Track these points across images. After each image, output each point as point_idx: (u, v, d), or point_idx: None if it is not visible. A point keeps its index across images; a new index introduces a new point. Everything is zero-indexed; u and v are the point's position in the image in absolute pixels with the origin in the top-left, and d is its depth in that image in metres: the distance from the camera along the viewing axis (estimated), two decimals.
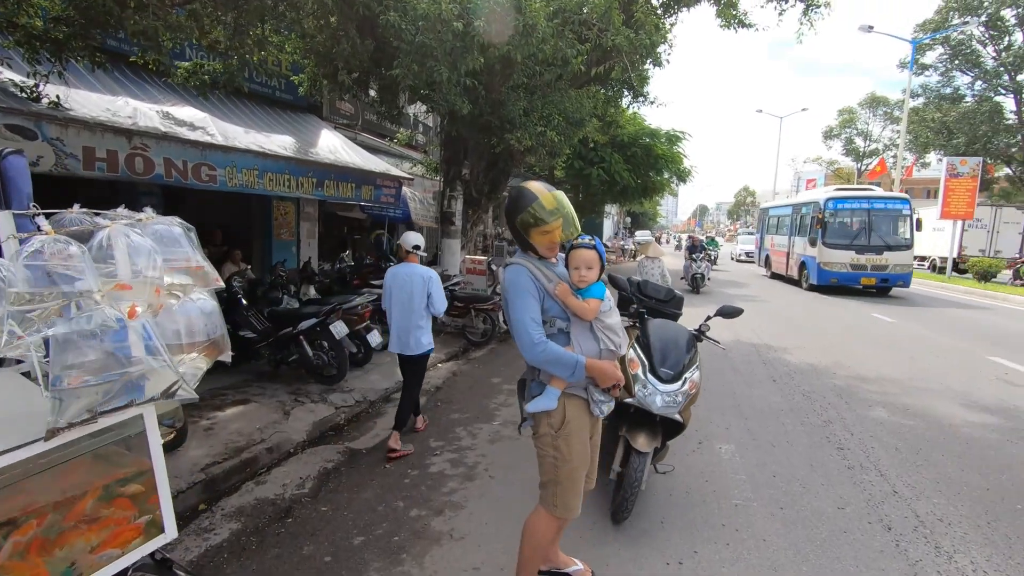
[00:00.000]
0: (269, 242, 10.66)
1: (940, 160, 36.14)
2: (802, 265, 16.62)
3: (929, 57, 33.32)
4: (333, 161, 8.28)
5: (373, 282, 8.98)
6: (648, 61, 7.64)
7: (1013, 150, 30.79)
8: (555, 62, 6.11)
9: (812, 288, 15.93)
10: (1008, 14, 30.10)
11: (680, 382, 3.23)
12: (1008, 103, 31.45)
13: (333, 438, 4.68)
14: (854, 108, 52.81)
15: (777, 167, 45.76)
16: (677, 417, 3.22)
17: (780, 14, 8.64)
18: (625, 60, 6.16)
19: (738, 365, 7.04)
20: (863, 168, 52.72)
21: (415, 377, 4.51)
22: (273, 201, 10.50)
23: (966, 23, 29.41)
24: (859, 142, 52.83)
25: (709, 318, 3.69)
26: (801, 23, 8.55)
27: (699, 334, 3.64)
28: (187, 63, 6.20)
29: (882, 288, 15.10)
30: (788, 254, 18.28)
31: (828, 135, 54.32)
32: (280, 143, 7.80)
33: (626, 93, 10.70)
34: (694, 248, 15.79)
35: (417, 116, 15.31)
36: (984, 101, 32.03)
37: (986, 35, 31.54)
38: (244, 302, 5.68)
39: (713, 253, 22.36)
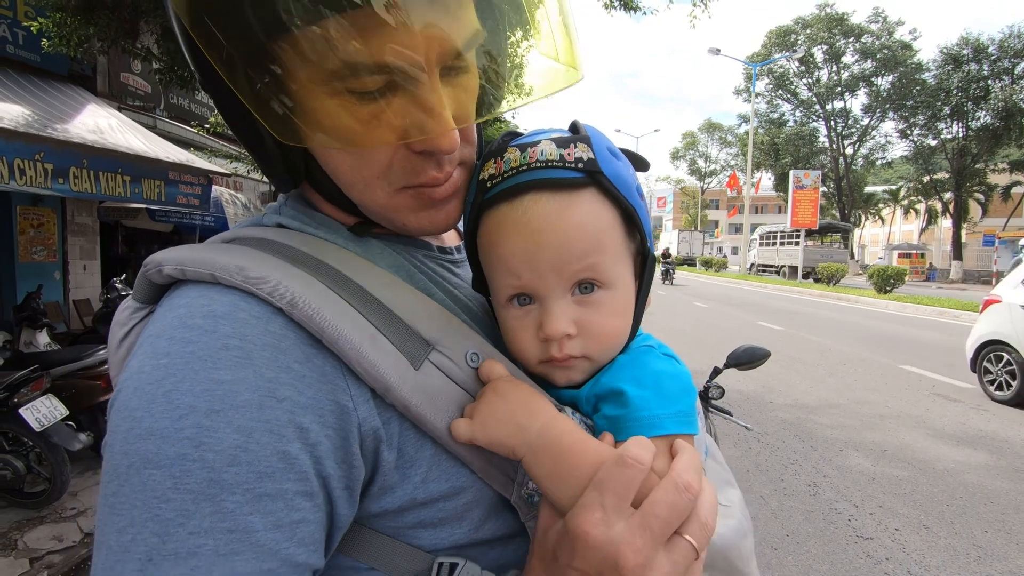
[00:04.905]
0: (10, 266, 7.45)
1: (770, 178, 40.53)
2: None
3: (758, 86, 37.17)
4: (93, 141, 5.60)
5: None
6: None
7: (826, 169, 35.13)
8: None
9: None
10: (818, 53, 34.49)
11: None
12: (821, 128, 35.97)
13: None
14: (695, 133, 58.13)
15: None
16: None
17: None
18: None
19: None
20: (705, 187, 58.09)
21: None
22: (16, 206, 7.36)
23: (789, 56, 33.08)
24: (701, 163, 58.14)
25: (717, 372, 2.04)
26: (695, 4, 7.67)
27: (704, 403, 1.98)
28: None
29: None
30: None
31: (675, 156, 59.17)
32: None
33: None
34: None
35: None
36: (803, 126, 36.35)
37: (801, 70, 35.94)
38: None
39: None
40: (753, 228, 33.72)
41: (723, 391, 1.98)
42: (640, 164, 0.52)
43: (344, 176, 0.47)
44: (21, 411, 3.04)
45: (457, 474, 0.45)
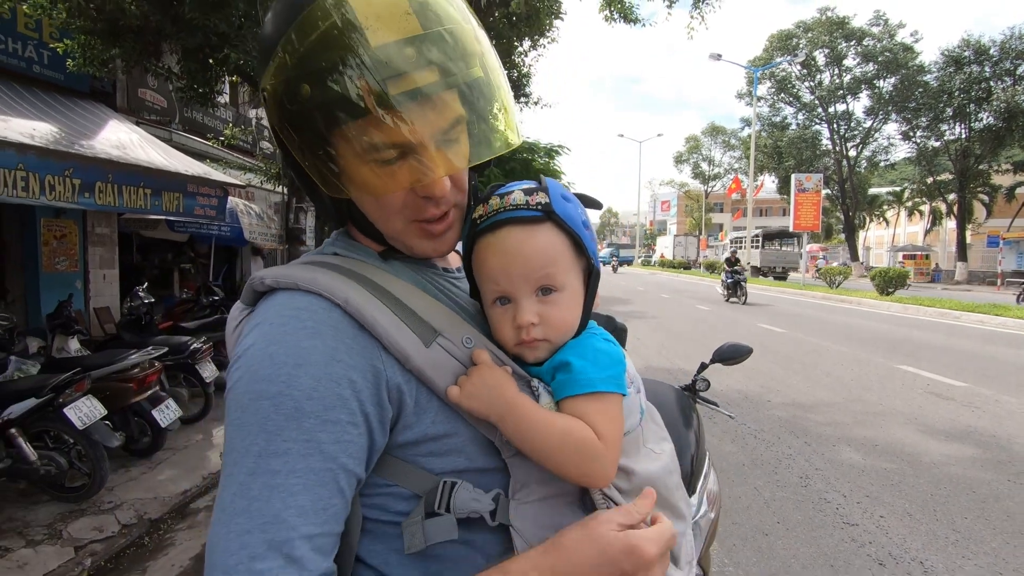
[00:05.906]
0: (35, 276, 7.72)
1: (774, 181, 40.54)
2: None
3: (760, 90, 37.33)
4: (118, 157, 5.87)
5: (185, 324, 6.57)
6: None
7: (830, 172, 35.16)
8: None
9: None
10: (819, 56, 34.60)
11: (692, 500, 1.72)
12: (824, 131, 36.04)
13: None
14: (698, 136, 58.17)
15: (639, 189, 48.61)
16: (695, 571, 1.70)
17: (669, 5, 7.93)
18: None
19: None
20: (709, 190, 58.07)
21: None
22: (40, 219, 7.64)
23: (791, 60, 33.18)
24: (704, 167, 58.12)
25: (704, 367, 2.27)
26: (692, 16, 7.91)
27: (692, 394, 2.20)
28: None
29: None
30: None
31: (679, 160, 59.21)
32: (19, 128, 5.28)
33: None
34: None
35: (260, 120, 12.84)
36: (806, 129, 36.42)
37: (803, 73, 36.05)
38: None
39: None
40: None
41: (709, 384, 2.20)
42: (592, 204, 0.73)
43: (372, 213, 0.67)
44: (65, 410, 3.29)
45: (456, 420, 0.62)
